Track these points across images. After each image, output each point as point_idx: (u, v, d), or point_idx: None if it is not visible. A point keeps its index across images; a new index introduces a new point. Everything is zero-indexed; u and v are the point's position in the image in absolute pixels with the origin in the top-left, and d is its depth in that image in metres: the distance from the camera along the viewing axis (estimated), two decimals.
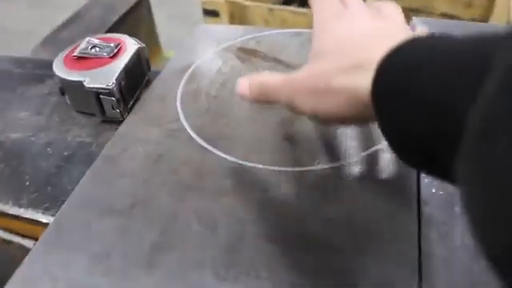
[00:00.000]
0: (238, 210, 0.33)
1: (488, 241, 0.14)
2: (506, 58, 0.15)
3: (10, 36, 1.91)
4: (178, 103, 0.44)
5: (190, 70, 0.48)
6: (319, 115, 0.28)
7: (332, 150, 0.38)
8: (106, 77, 0.42)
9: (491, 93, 0.15)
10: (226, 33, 0.54)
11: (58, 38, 0.72)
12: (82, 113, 0.46)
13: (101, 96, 0.42)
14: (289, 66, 0.47)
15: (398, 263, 0.29)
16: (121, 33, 0.48)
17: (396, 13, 0.29)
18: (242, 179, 0.37)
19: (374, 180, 0.35)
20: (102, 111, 0.43)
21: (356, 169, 0.36)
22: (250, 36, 0.53)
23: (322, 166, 0.36)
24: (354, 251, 0.30)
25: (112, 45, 0.45)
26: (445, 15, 1.23)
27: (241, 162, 0.37)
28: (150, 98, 0.46)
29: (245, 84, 0.32)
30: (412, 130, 0.21)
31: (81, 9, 0.83)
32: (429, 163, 0.22)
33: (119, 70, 0.42)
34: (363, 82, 0.23)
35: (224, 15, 1.32)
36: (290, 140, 0.39)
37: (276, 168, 0.36)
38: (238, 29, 0.55)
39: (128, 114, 0.44)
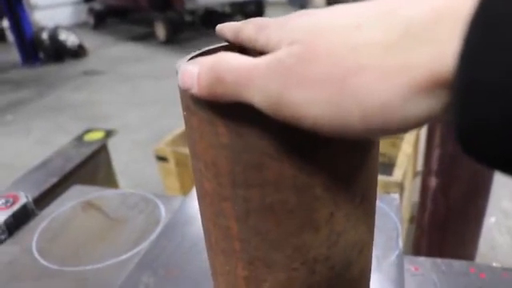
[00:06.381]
0: None
1: None
2: None
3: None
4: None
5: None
6: (349, 124, 0.17)
7: None
8: None
9: None
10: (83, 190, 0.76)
11: (26, 180, 0.89)
12: None
13: None
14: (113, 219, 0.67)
15: None
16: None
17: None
18: None
19: None
20: None
21: None
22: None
23: None
24: None
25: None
26: None
27: None
28: None
29: (191, 71, 0.20)
30: None
31: (45, 159, 1.02)
32: None
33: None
34: (441, 49, 0.15)
35: (171, 161, 1.56)
36: None
37: None
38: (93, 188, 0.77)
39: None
